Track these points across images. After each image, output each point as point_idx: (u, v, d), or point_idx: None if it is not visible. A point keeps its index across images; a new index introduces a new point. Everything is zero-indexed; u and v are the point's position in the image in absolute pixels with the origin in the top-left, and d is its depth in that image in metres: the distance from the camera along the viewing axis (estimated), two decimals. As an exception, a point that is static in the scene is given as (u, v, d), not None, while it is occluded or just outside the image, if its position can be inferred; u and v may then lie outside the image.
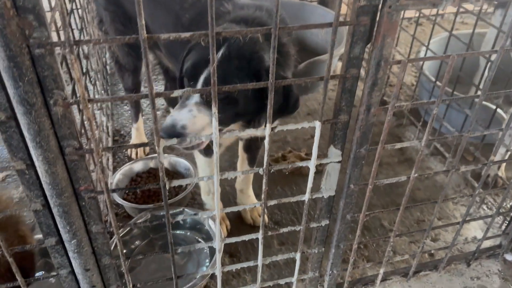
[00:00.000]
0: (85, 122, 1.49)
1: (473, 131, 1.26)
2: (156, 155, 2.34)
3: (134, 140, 2.49)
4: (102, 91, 2.55)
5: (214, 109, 0.91)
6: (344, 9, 3.79)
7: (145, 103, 2.81)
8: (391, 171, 2.37)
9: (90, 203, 1.04)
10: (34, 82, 0.80)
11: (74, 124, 0.89)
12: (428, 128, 1.13)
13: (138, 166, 2.21)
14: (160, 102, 2.89)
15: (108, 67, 3.07)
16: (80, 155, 0.94)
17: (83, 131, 1.50)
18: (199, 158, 1.84)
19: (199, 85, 1.35)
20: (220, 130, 0.98)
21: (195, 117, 1.33)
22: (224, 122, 1.40)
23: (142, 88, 2.44)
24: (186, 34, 0.81)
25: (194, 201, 2.18)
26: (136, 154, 2.42)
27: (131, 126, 2.51)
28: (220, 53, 1.32)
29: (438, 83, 2.37)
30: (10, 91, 0.80)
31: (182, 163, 2.24)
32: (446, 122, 2.29)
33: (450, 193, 2.25)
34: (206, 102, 1.34)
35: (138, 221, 1.83)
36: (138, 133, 2.48)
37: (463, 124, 2.28)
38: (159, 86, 3.03)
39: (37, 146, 0.88)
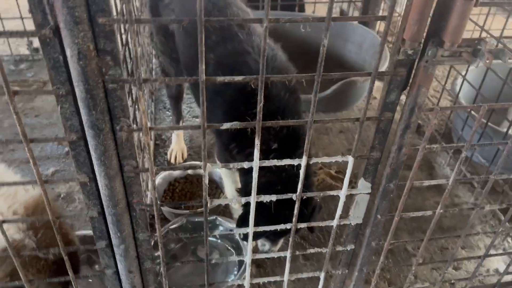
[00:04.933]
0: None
1: (503, 170, 1.31)
2: (193, 162, 2.48)
3: (174, 145, 2.62)
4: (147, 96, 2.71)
5: (257, 141, 1.01)
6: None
7: (185, 110, 2.95)
8: (419, 196, 2.41)
9: (140, 214, 1.16)
10: (105, 111, 0.92)
11: (134, 147, 1.01)
12: (456, 169, 1.20)
13: (177, 172, 2.34)
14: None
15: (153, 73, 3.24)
16: (136, 172, 1.06)
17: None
18: (223, 170, 1.97)
19: None
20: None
21: None
22: None
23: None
24: (239, 78, 0.91)
25: (226, 209, 2.29)
26: (175, 159, 2.56)
27: (172, 132, 2.65)
28: None
29: (472, 112, 2.40)
30: (84, 117, 0.92)
31: (216, 172, 2.35)
32: (478, 152, 2.32)
33: (476, 223, 2.28)
34: None
35: (174, 225, 1.95)
36: (178, 139, 2.61)
37: (495, 155, 2.30)
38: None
39: (101, 163, 1.00)
